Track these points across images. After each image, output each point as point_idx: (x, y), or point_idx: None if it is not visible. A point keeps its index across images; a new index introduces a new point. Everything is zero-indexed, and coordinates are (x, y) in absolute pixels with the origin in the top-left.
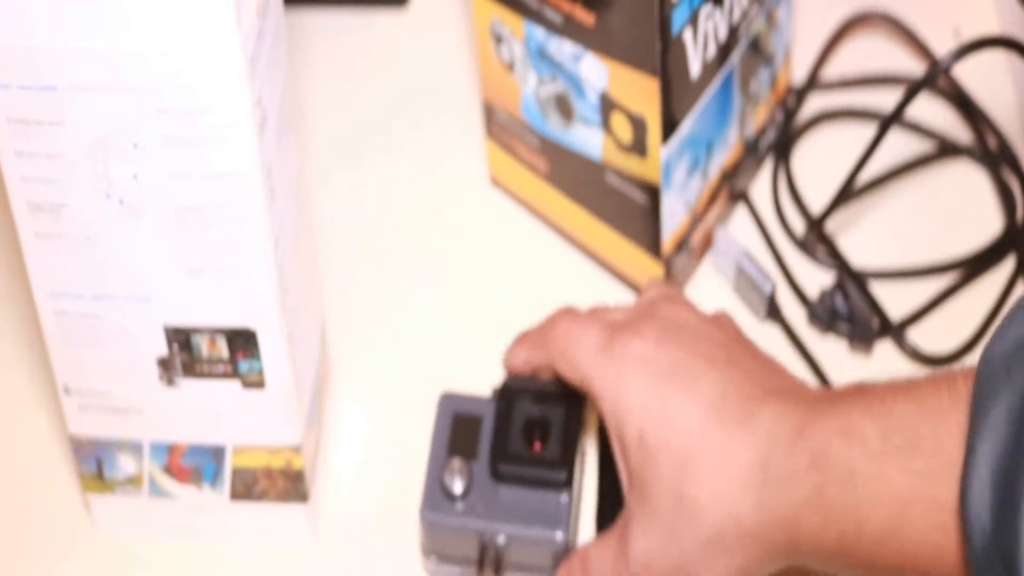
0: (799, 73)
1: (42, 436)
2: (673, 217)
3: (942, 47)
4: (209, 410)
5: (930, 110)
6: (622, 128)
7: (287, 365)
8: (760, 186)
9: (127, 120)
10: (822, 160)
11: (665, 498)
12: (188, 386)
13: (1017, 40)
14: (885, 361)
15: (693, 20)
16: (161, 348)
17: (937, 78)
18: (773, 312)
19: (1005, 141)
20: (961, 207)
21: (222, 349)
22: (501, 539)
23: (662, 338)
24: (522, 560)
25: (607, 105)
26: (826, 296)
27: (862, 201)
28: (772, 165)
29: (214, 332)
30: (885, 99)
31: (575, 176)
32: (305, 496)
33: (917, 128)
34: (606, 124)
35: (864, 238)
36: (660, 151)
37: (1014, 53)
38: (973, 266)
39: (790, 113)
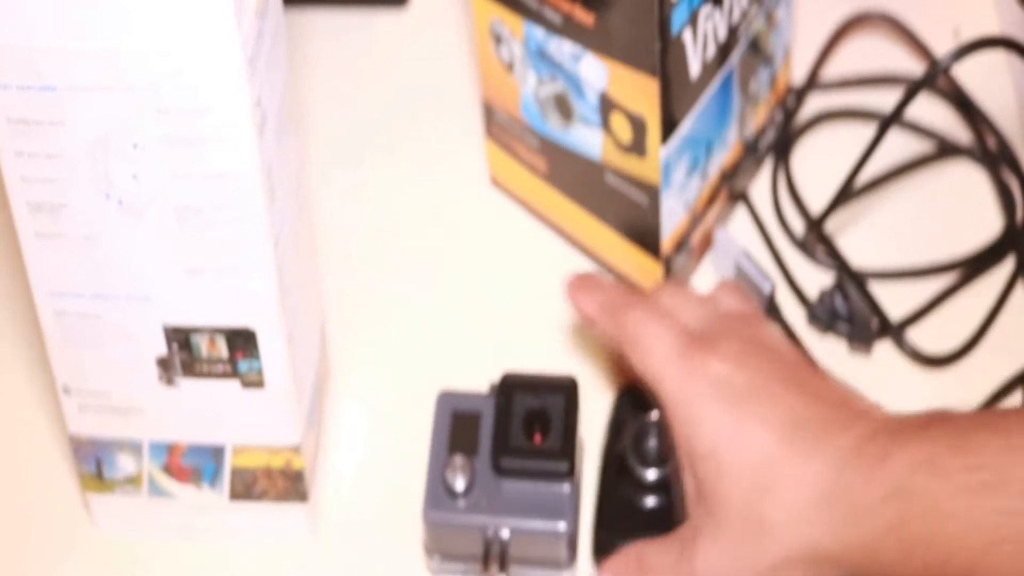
0: (799, 73)
1: (42, 436)
2: (672, 217)
3: (942, 47)
4: (209, 410)
5: (930, 110)
6: (622, 128)
7: (287, 365)
8: (760, 186)
9: (127, 120)
10: (822, 160)
11: (737, 517)
12: (188, 386)
13: (1017, 40)
14: (885, 362)
15: (693, 20)
16: (161, 348)
17: (937, 78)
18: (773, 312)
19: (1005, 141)
20: (961, 207)
21: (222, 349)
22: (505, 533)
23: (738, 359)
24: (526, 554)
25: (607, 105)
26: (826, 296)
27: (862, 201)
28: (772, 165)
29: (214, 332)
30: (885, 99)
31: (575, 176)
32: (305, 496)
33: (917, 128)
34: (606, 124)
35: (864, 238)
36: (660, 151)
37: (1014, 53)
38: (973, 266)
39: (790, 113)
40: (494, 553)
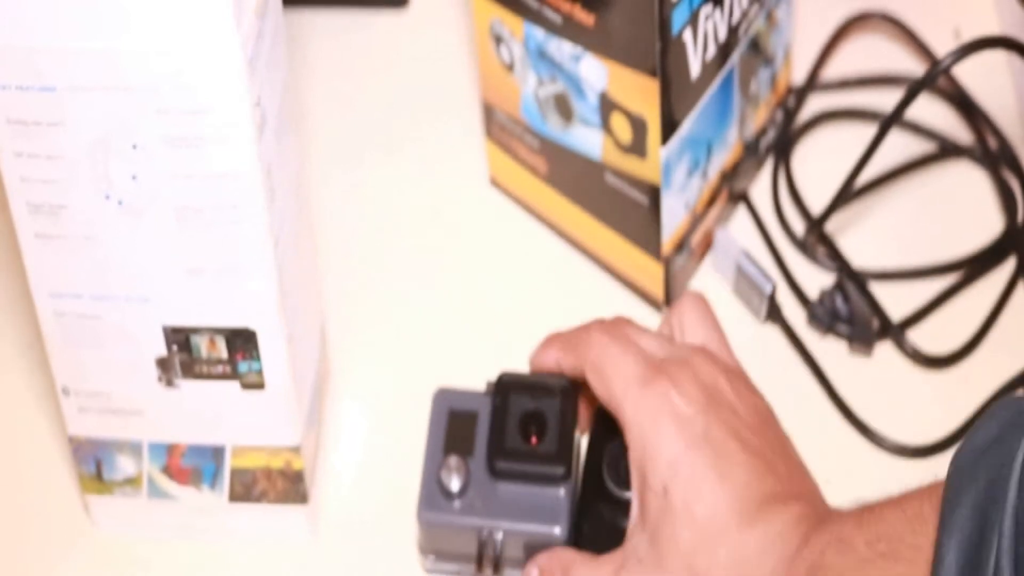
0: (799, 73)
1: (41, 437)
2: (673, 218)
3: (942, 47)
4: (208, 411)
5: (930, 110)
6: (622, 129)
7: (287, 365)
8: (760, 186)
9: (126, 120)
10: (822, 160)
11: (678, 562)
12: (187, 387)
13: (1017, 40)
14: (885, 362)
15: (693, 20)
16: (160, 349)
17: (937, 78)
18: (773, 313)
19: (1005, 141)
20: (961, 208)
21: (221, 349)
22: (499, 536)
23: (700, 402)
24: (521, 556)
25: (607, 105)
26: (826, 297)
27: (862, 202)
28: (772, 165)
29: (213, 332)
30: (885, 99)
31: (575, 177)
32: (305, 497)
33: (917, 128)
34: (606, 125)
35: (864, 239)
36: (660, 152)
37: (1014, 53)
38: (973, 267)
39: (790, 113)
40: (488, 554)
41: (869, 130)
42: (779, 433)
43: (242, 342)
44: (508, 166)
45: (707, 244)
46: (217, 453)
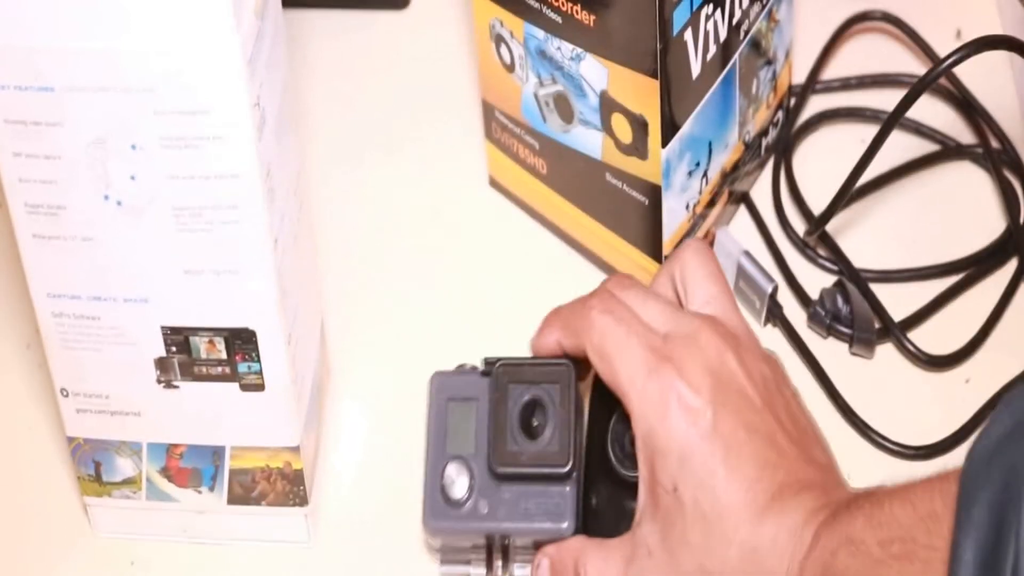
0: (800, 73)
1: (40, 438)
2: (673, 218)
3: (943, 48)
4: (208, 412)
5: (931, 110)
6: (622, 129)
7: (286, 366)
8: (761, 187)
9: (125, 121)
10: (823, 160)
11: (690, 560)
12: (186, 388)
13: (1019, 40)
14: (886, 363)
15: (693, 20)
16: (159, 349)
17: (939, 78)
18: (774, 313)
19: (1007, 142)
20: (962, 208)
21: (221, 350)
22: (507, 535)
23: (709, 392)
24: (530, 547)
25: (607, 106)
26: (827, 297)
27: (863, 202)
28: (773, 165)
29: (213, 333)
30: (886, 99)
31: (575, 177)
32: (304, 497)
33: (919, 128)
34: (606, 125)
35: (865, 239)
36: (660, 152)
37: (1016, 54)
38: (975, 267)
39: (791, 113)
40: (497, 548)
41: (870, 130)
42: (788, 400)
43: (241, 343)
44: (508, 166)
45: (708, 244)
46: (216, 454)
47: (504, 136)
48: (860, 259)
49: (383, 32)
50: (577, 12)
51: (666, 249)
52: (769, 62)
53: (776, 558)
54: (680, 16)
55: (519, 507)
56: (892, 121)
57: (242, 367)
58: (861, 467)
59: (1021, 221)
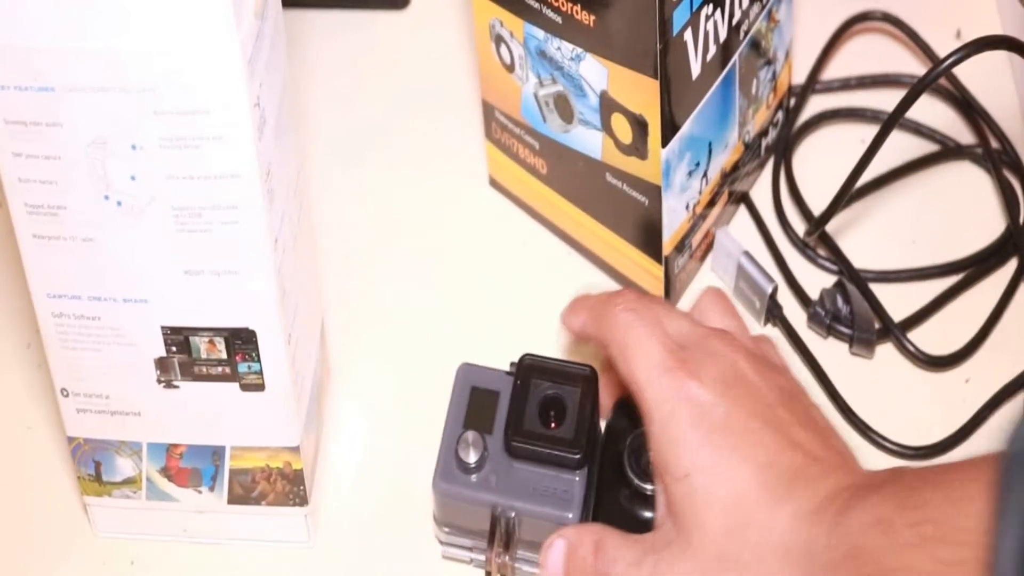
0: (800, 73)
1: (40, 438)
2: (673, 218)
3: (943, 48)
4: (208, 412)
5: (931, 111)
6: (622, 129)
7: (286, 366)
8: (761, 187)
9: (125, 121)
10: (823, 161)
11: (709, 548)
12: (186, 388)
13: (1019, 41)
14: (886, 363)
15: (693, 21)
16: (159, 349)
17: (939, 78)
18: (774, 313)
19: (1007, 142)
20: (963, 208)
21: (221, 350)
22: (513, 514)
23: (719, 388)
24: (533, 538)
25: (607, 106)
26: (827, 297)
27: (863, 202)
28: (773, 166)
29: (213, 333)
30: (886, 99)
31: (575, 177)
32: (304, 497)
33: (919, 129)
34: (606, 125)
35: (865, 239)
36: (660, 152)
37: (1016, 54)
38: (975, 267)
39: (791, 113)
40: (501, 531)
41: (870, 130)
42: (807, 406)
43: (242, 343)
44: (508, 166)
45: (708, 245)
46: (216, 454)
47: (504, 136)
48: (860, 259)
49: (383, 32)
50: (577, 12)
51: (666, 249)
52: (769, 62)
53: (797, 539)
54: (680, 16)
55: (528, 486)
56: (892, 121)
57: (242, 367)
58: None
59: (1021, 221)
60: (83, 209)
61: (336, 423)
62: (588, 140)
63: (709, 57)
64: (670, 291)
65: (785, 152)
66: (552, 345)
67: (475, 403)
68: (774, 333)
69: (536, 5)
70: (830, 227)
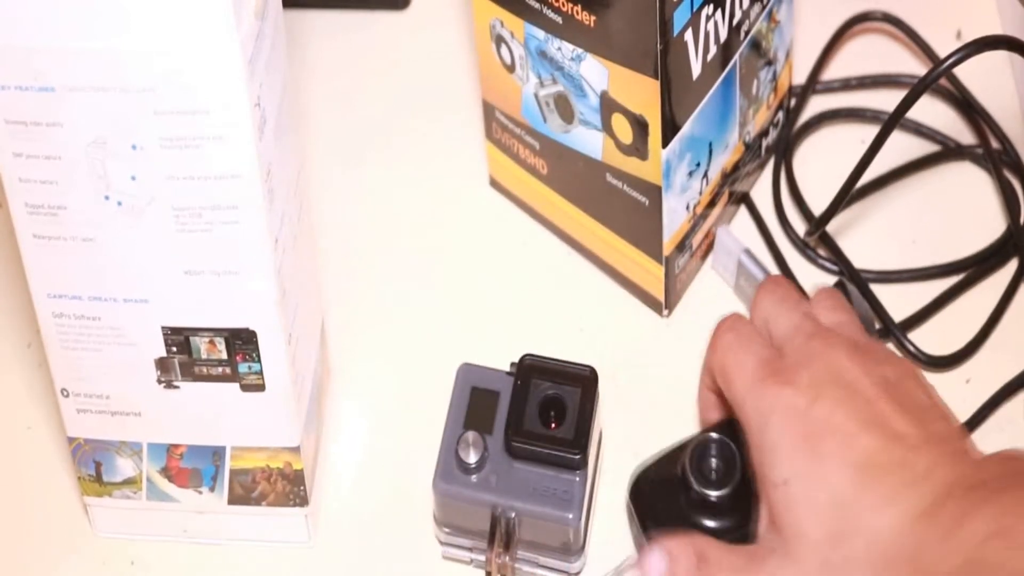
0: (800, 73)
1: (40, 439)
2: (674, 218)
3: (943, 48)
4: (208, 412)
5: (932, 111)
6: (623, 129)
7: (286, 366)
8: (761, 187)
9: (125, 121)
10: (823, 161)
11: (812, 556)
12: (187, 388)
13: (1019, 41)
14: None
15: (694, 21)
16: (159, 350)
17: (939, 78)
18: None
19: (1007, 142)
20: (963, 208)
21: (221, 350)
22: (513, 515)
23: (815, 392)
24: (533, 538)
25: (607, 106)
26: None
27: (864, 202)
28: (773, 166)
29: (213, 333)
30: (886, 99)
31: (575, 177)
32: (305, 498)
33: (919, 129)
34: (606, 125)
35: (866, 239)
36: (661, 152)
37: (1016, 54)
38: (975, 268)
39: (791, 114)
40: (500, 532)
41: (870, 130)
42: (911, 389)
43: (242, 343)
44: (508, 167)
45: (708, 245)
46: (217, 454)
47: (504, 136)
48: (860, 259)
49: (383, 32)
50: (577, 12)
51: (666, 250)
52: (769, 62)
53: (905, 545)
54: (680, 16)
55: (528, 486)
56: (892, 121)
57: (242, 367)
58: None
59: (1021, 221)
60: (83, 209)
61: (336, 423)
62: (588, 140)
63: (709, 57)
64: (670, 291)
65: (785, 152)
66: (552, 345)
67: (475, 403)
68: None
69: (536, 5)
70: (830, 227)
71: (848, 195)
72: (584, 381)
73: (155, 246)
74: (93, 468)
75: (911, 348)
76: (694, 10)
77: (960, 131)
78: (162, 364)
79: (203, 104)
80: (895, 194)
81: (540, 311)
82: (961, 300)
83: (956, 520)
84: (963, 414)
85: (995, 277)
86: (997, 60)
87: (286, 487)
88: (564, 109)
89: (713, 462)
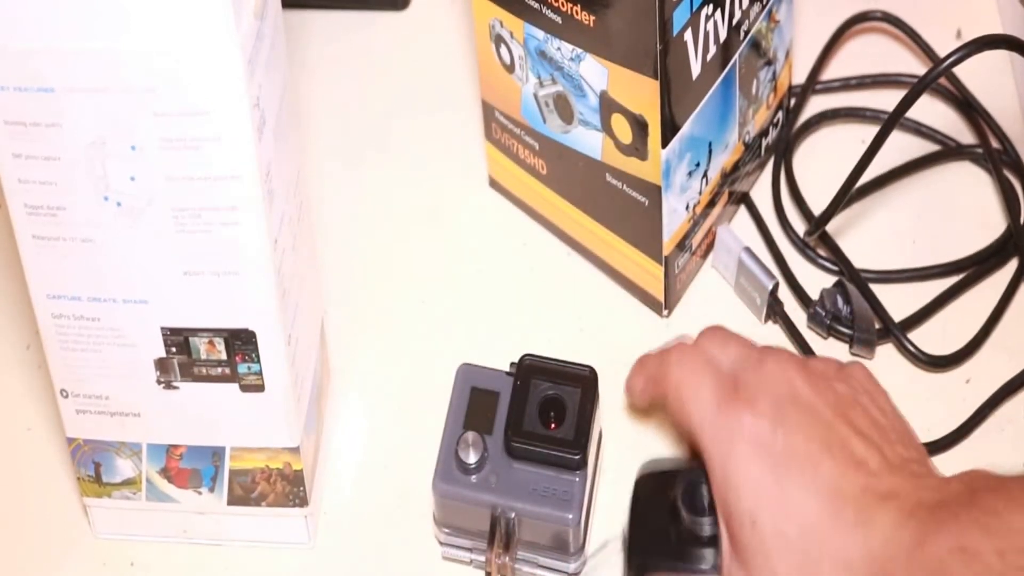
0: (800, 73)
1: (40, 440)
2: (673, 218)
3: (943, 48)
4: (207, 413)
5: (932, 110)
6: (622, 129)
7: (286, 367)
8: (761, 187)
9: (125, 122)
10: (823, 161)
11: None
12: (186, 388)
13: (1019, 40)
14: (887, 363)
15: (693, 21)
16: (159, 350)
17: (939, 78)
18: (775, 310)
19: (1007, 142)
20: (963, 208)
21: (221, 351)
22: (512, 515)
23: (776, 416)
24: (532, 538)
25: (607, 106)
26: (827, 298)
27: (863, 202)
28: (773, 166)
29: (212, 334)
30: (886, 99)
31: (575, 178)
32: (304, 498)
33: (918, 129)
34: (606, 125)
35: (865, 239)
36: (660, 152)
37: (1016, 53)
38: (975, 268)
39: (791, 113)
40: (500, 532)
41: (870, 130)
42: (866, 406)
43: (241, 343)
44: (507, 167)
45: (708, 245)
46: (216, 455)
47: (504, 137)
48: (860, 259)
49: (383, 32)
50: (577, 12)
51: (666, 250)
52: (769, 62)
53: (872, 566)
54: (680, 16)
55: (528, 487)
56: (892, 121)
57: (242, 368)
58: None
59: (1021, 221)
60: (83, 210)
61: (336, 423)
62: (588, 140)
63: (709, 57)
64: (670, 291)
65: (785, 152)
66: (552, 345)
67: (475, 403)
68: (775, 331)
69: (536, 5)
70: (830, 227)
71: (848, 195)
72: (584, 381)
73: (154, 247)
74: (92, 469)
75: (911, 348)
76: (694, 10)
77: (960, 131)
78: (161, 365)
79: (202, 104)
80: (895, 194)
81: (540, 311)
82: (961, 300)
83: (918, 540)
84: (963, 414)
85: (995, 277)
86: (997, 60)
87: (286, 488)
88: (564, 109)
89: (705, 493)
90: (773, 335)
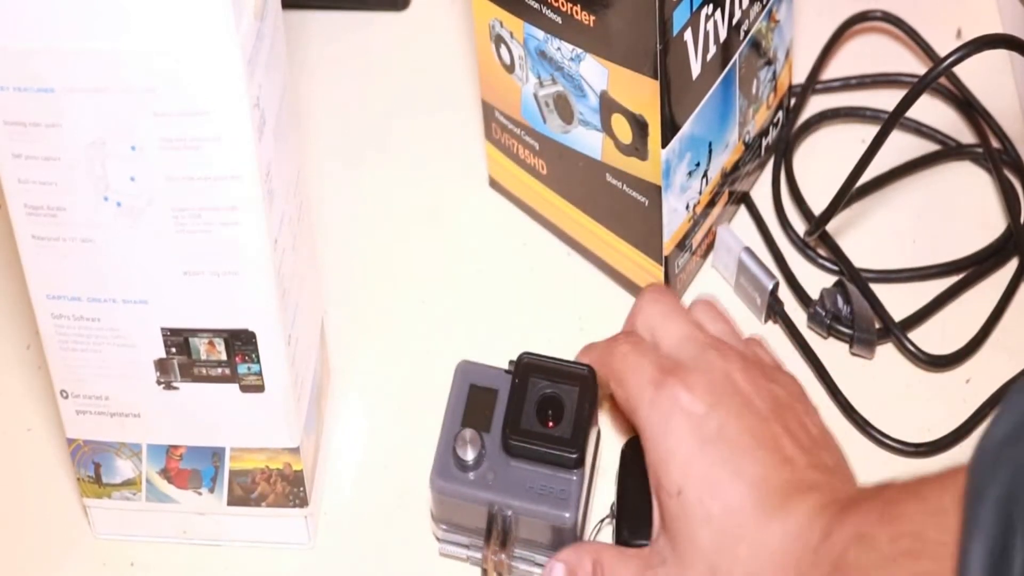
0: (800, 73)
1: (40, 440)
2: (673, 218)
3: (943, 47)
4: (207, 413)
5: (932, 110)
6: (622, 129)
7: (286, 367)
8: (761, 187)
9: (124, 122)
10: (823, 161)
11: (700, 563)
12: (186, 389)
13: (1020, 40)
14: (887, 363)
15: (693, 21)
16: (159, 351)
17: (939, 78)
18: (775, 310)
19: (1008, 141)
20: (963, 208)
21: (220, 351)
22: (509, 513)
23: (710, 399)
24: (529, 536)
25: (607, 106)
26: (827, 297)
27: (863, 202)
28: (773, 166)
29: (212, 334)
30: (886, 99)
31: (575, 178)
32: (304, 499)
33: (918, 129)
34: (606, 125)
35: (865, 239)
36: (660, 152)
37: (1016, 53)
38: (975, 267)
39: (791, 113)
40: (497, 529)
41: (870, 130)
42: (799, 415)
43: (241, 344)
44: (507, 167)
45: (708, 245)
46: (216, 455)
47: (504, 137)
48: (860, 259)
49: (383, 32)
50: (577, 12)
51: (666, 250)
52: (769, 62)
53: (785, 554)
54: (680, 16)
55: (525, 486)
56: (892, 121)
57: (242, 368)
58: (862, 464)
59: (1021, 221)
60: (83, 210)
61: (336, 423)
62: (588, 140)
63: (709, 57)
64: None
65: (785, 152)
66: (552, 345)
67: (473, 401)
68: (775, 331)
69: (536, 5)
70: (830, 227)
71: (848, 195)
72: (582, 380)
73: (154, 247)
74: (92, 469)
75: (911, 348)
76: (693, 10)
77: (960, 131)
78: (161, 365)
79: (202, 105)
80: (895, 194)
81: (540, 311)
82: (961, 300)
83: (825, 532)
84: (963, 414)
85: (995, 277)
86: (997, 59)
87: (286, 488)
88: (564, 109)
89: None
90: (773, 335)
